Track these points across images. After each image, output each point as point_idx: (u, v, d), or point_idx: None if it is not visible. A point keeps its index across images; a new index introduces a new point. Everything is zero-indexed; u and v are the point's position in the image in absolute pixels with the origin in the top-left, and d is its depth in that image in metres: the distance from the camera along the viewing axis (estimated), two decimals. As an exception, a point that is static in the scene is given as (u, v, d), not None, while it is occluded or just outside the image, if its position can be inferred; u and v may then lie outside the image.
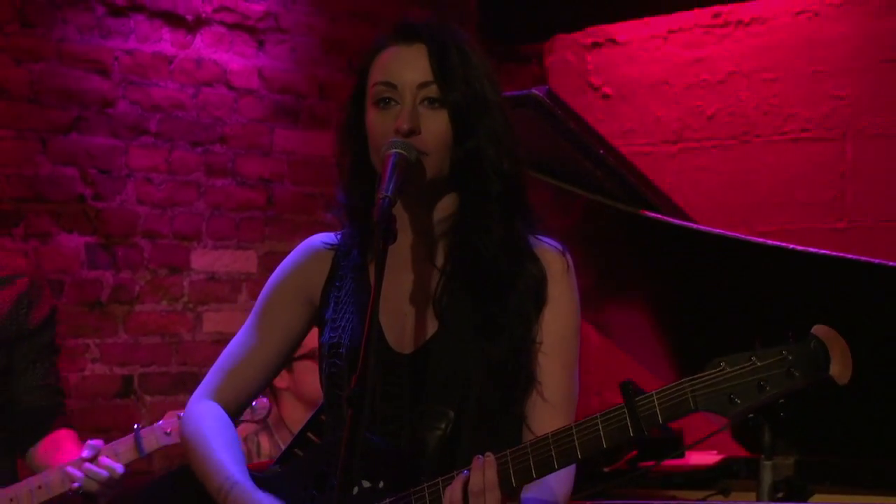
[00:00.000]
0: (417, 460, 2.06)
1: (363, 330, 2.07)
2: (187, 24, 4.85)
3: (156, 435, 3.10)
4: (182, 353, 4.81)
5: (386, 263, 1.96)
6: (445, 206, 2.14)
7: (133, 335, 4.70)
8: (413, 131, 2.06)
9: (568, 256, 2.16)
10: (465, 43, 2.13)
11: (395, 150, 2.02)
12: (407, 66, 2.10)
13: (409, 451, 2.07)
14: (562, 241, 2.19)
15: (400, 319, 2.14)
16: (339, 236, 2.25)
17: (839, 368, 1.84)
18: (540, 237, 2.16)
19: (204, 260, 4.90)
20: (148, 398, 4.68)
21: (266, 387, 2.35)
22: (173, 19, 4.81)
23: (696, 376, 1.87)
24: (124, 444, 3.08)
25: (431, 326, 2.11)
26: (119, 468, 2.99)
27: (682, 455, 3.44)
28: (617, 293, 3.45)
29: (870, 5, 4.88)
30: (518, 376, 2.10)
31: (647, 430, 1.88)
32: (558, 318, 2.12)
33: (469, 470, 1.94)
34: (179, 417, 3.09)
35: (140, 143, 4.72)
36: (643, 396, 1.88)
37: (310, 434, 2.61)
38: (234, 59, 5.00)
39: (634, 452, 3.33)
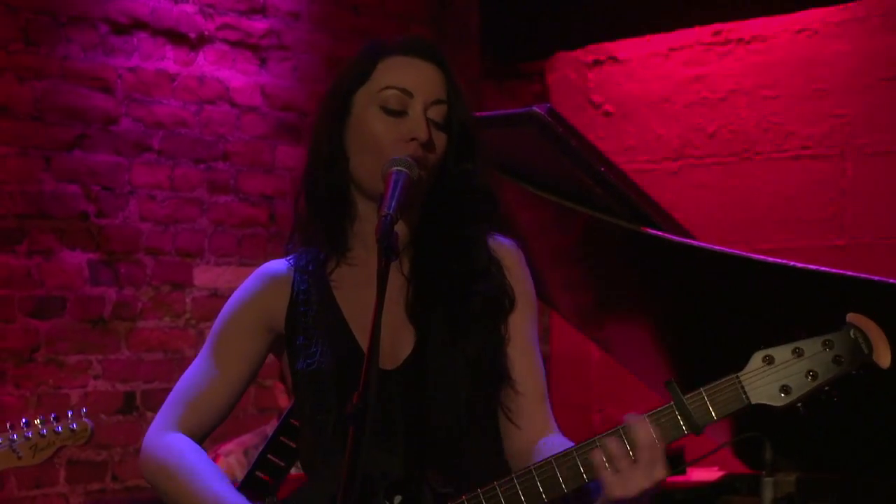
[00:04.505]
0: (423, 471, 2.06)
1: (344, 351, 2.11)
2: (190, 42, 4.87)
3: None
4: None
5: (356, 276, 2.02)
6: (413, 219, 2.16)
7: (135, 351, 4.70)
8: (430, 142, 2.09)
9: (520, 250, 2.23)
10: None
11: (397, 168, 2.03)
12: (426, 80, 2.13)
13: (412, 463, 2.07)
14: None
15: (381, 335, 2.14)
16: (292, 260, 2.25)
17: (882, 352, 1.91)
18: (494, 236, 2.22)
19: (206, 276, 4.91)
20: (150, 415, 4.68)
21: (227, 416, 2.29)
22: (176, 37, 4.83)
23: (743, 371, 1.91)
24: None
25: (409, 339, 2.13)
26: None
27: (683, 472, 3.44)
28: (618, 309, 3.45)
29: (869, 24, 4.89)
30: (494, 374, 2.14)
31: (702, 426, 1.91)
32: (525, 311, 2.19)
33: (618, 428, 1.93)
34: None
35: (143, 160, 4.73)
36: (692, 394, 1.92)
37: (271, 457, 2.58)
38: (237, 76, 5.01)
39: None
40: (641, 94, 5.40)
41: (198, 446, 2.22)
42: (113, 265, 4.65)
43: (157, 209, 4.77)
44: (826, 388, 1.90)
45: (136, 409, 4.69)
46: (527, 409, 2.15)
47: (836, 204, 4.96)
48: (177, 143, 4.82)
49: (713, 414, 1.91)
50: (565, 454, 1.96)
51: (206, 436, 2.27)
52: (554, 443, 2.10)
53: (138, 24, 4.72)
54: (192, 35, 4.88)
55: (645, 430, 1.90)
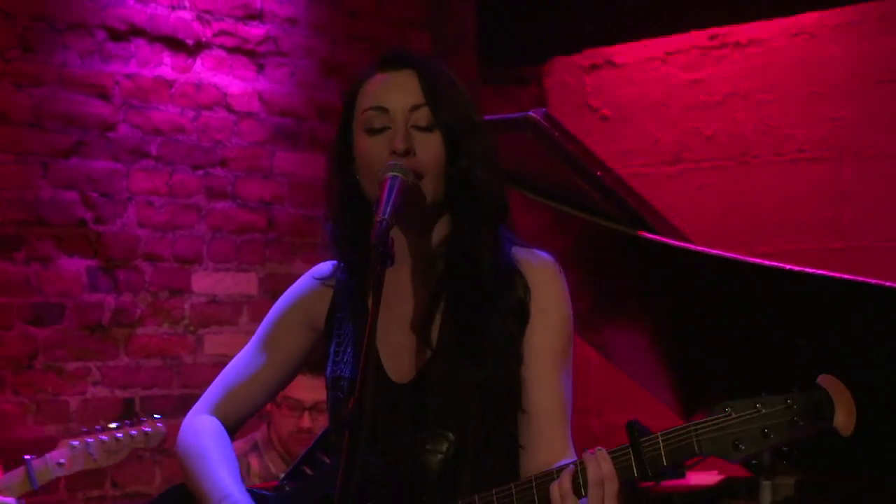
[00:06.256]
0: (421, 483, 2.07)
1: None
2: (187, 49, 4.87)
3: (48, 466, 3.06)
4: (183, 375, 4.81)
5: (383, 290, 1.98)
6: (440, 231, 2.16)
7: (134, 358, 4.70)
8: (409, 151, 2.08)
9: (555, 265, 2.17)
10: (448, 70, 2.19)
11: (391, 174, 2.04)
12: (397, 91, 2.13)
13: (411, 473, 2.08)
14: (560, 261, 2.21)
15: (397, 349, 2.15)
16: (339, 265, 2.27)
17: (843, 419, 1.89)
18: (528, 248, 2.19)
19: (205, 282, 4.91)
20: (149, 421, 4.69)
21: (264, 406, 2.42)
22: (173, 43, 4.84)
23: (701, 420, 1.91)
24: (16, 477, 3.03)
25: (425, 354, 2.13)
26: (11, 502, 2.93)
27: (682, 475, 3.44)
28: (616, 314, 3.45)
29: (866, 26, 4.90)
30: (510, 396, 2.12)
31: (651, 471, 1.91)
32: (548, 330, 2.14)
33: (574, 464, 1.94)
34: (72, 447, 3.12)
35: (141, 166, 4.74)
36: (648, 438, 1.91)
37: (318, 453, 2.65)
38: (234, 82, 5.02)
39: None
40: (639, 98, 5.40)
41: (222, 430, 2.30)
42: (111, 272, 4.65)
43: (154, 215, 4.77)
44: (783, 446, 1.89)
45: (135, 415, 4.68)
46: (538, 433, 2.12)
47: (834, 207, 4.96)
48: (174, 150, 4.82)
49: (664, 460, 1.91)
50: (526, 483, 1.97)
51: (242, 422, 2.37)
52: None
53: (135, 31, 4.72)
54: (190, 41, 4.88)
55: (595, 469, 1.91)
